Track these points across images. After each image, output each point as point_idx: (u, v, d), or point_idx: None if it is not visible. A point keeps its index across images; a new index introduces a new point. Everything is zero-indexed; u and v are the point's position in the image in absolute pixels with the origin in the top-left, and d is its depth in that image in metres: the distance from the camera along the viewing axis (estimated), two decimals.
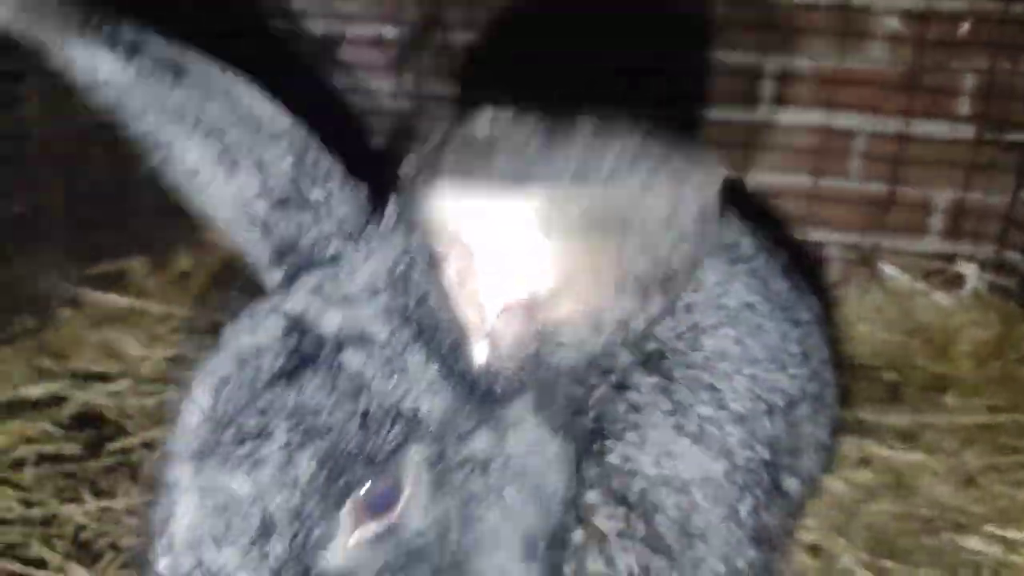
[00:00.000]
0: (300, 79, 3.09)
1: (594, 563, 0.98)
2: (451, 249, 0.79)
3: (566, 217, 0.74)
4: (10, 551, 1.56)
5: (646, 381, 1.09)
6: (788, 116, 2.98)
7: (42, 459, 1.88)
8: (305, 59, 3.22)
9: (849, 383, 2.50)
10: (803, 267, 1.70)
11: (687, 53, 2.89)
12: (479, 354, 0.85)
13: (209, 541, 0.76)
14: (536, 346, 0.81)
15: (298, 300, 0.86)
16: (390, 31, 3.16)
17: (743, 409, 1.15)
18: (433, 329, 0.83)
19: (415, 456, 0.81)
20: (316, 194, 0.94)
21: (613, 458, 1.03)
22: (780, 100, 2.97)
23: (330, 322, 0.83)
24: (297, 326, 0.83)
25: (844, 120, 2.92)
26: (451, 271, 0.80)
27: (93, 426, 2.04)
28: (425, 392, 0.82)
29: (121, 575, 1.54)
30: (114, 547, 1.62)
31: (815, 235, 3.02)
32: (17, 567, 1.51)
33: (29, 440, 1.94)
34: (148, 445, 1.96)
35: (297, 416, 0.78)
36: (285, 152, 0.94)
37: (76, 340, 2.43)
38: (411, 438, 0.80)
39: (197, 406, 0.81)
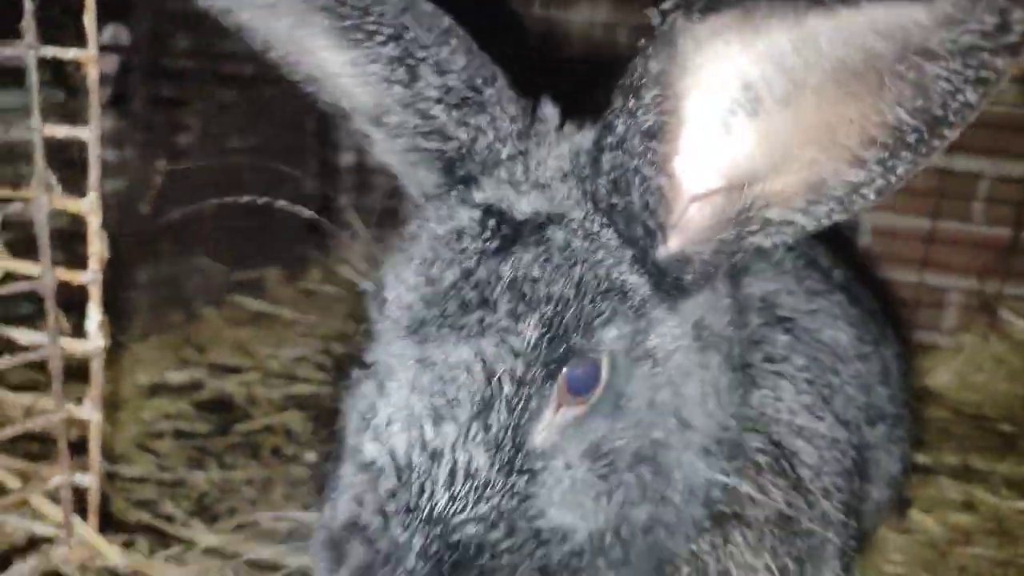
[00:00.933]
0: None
1: (749, 487, 0.95)
2: (659, 126, 0.74)
3: (798, 69, 0.68)
4: (144, 506, 1.77)
5: (780, 339, 1.09)
6: None
7: (178, 434, 2.11)
8: None
9: (961, 431, 2.44)
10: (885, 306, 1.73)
11: None
12: (673, 240, 0.82)
13: (427, 417, 0.74)
14: (736, 229, 0.78)
15: (488, 191, 0.85)
16: None
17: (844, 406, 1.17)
18: (626, 214, 0.81)
19: (615, 335, 0.79)
20: (488, 94, 0.86)
21: (755, 400, 1.01)
22: None
23: (526, 206, 0.83)
24: (493, 211, 0.83)
25: (967, 162, 2.84)
26: (653, 152, 0.76)
27: (223, 410, 2.27)
28: (627, 269, 0.82)
29: (235, 535, 1.71)
30: (231, 511, 1.80)
31: (933, 279, 2.94)
32: (147, 518, 1.71)
33: (168, 417, 2.18)
34: (269, 429, 2.16)
35: (517, 286, 0.77)
36: (456, 51, 0.85)
37: (216, 336, 2.71)
38: (618, 312, 0.79)
39: (405, 285, 0.80)
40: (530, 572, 0.77)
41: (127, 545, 1.38)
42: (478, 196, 0.86)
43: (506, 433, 0.75)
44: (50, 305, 0.81)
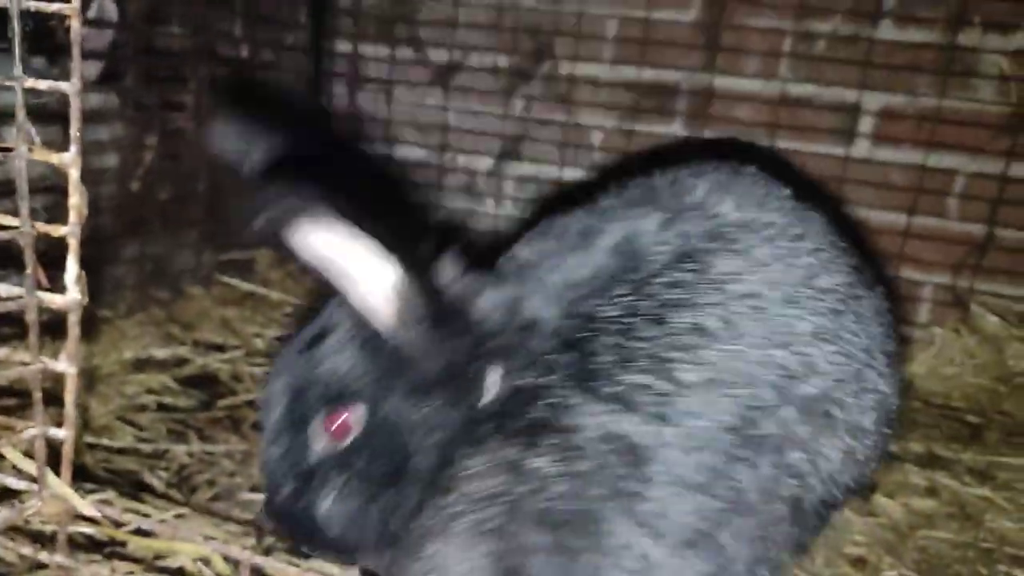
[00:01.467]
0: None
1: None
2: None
3: None
4: (123, 476, 1.81)
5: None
6: (886, 153, 2.98)
7: (160, 407, 2.15)
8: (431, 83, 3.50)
9: (929, 421, 2.50)
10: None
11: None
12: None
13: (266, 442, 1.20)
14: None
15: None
16: (503, 60, 3.38)
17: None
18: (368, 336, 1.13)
19: (358, 410, 1.15)
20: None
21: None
22: (878, 136, 2.98)
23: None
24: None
25: (942, 159, 2.89)
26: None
27: (207, 386, 2.30)
28: (357, 365, 1.15)
29: (211, 505, 1.75)
30: (210, 483, 1.84)
31: (908, 274, 2.99)
32: (127, 488, 1.74)
33: (151, 391, 2.21)
34: (252, 404, 2.20)
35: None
36: None
37: (202, 314, 2.74)
38: (352, 396, 1.15)
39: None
40: None
41: (103, 503, 1.41)
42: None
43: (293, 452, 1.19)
44: (28, 256, 0.84)
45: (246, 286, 2.99)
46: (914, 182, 2.92)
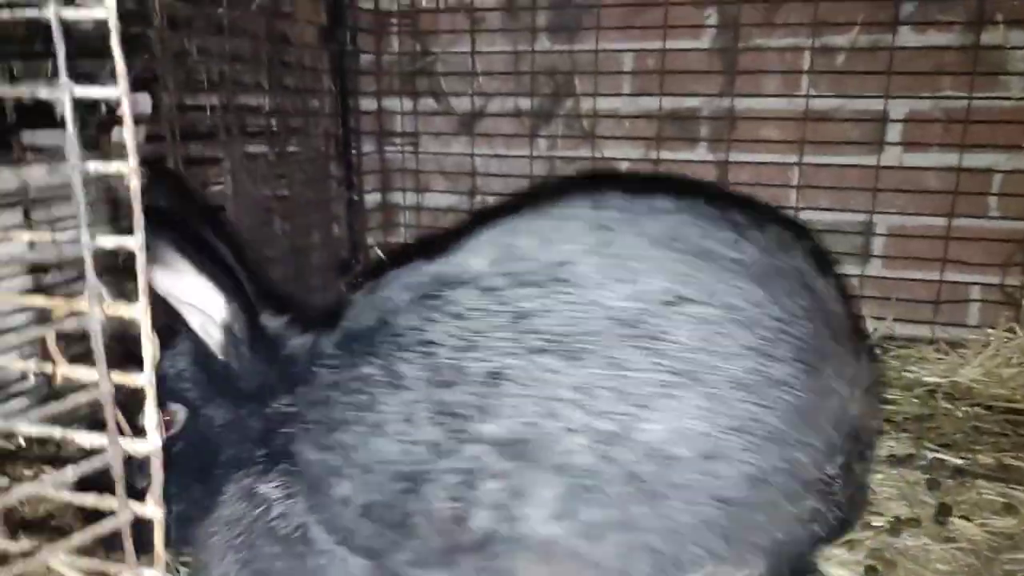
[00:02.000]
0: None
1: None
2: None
3: None
4: None
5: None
6: (917, 158, 2.96)
7: None
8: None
9: (994, 428, 2.45)
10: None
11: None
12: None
13: None
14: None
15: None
16: (524, 103, 3.43)
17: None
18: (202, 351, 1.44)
19: (179, 411, 1.45)
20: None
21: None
22: (908, 143, 2.95)
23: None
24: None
25: (979, 159, 2.86)
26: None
27: None
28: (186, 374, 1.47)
29: None
30: None
31: (954, 276, 2.95)
32: None
33: None
34: None
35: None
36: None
37: None
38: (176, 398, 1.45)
39: None
40: None
41: None
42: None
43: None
44: (108, 412, 0.89)
45: None
46: (950, 184, 2.89)
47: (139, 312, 0.97)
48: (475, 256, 1.48)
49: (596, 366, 1.31)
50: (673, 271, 1.40)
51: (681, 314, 1.35)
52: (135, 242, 0.97)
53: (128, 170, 0.96)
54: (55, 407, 0.96)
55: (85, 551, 1.13)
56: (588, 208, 1.54)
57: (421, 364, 1.37)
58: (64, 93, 0.96)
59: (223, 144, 2.89)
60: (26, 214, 2.27)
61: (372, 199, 3.71)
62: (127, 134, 0.97)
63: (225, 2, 2.75)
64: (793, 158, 3.06)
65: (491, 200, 3.57)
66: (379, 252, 3.71)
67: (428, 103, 3.59)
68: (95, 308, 0.94)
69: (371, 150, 3.65)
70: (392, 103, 3.62)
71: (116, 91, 0.99)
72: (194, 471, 1.45)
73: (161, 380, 1.32)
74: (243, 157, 2.96)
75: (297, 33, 3.27)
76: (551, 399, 1.30)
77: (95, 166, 0.96)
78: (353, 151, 3.53)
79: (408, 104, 3.60)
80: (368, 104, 3.61)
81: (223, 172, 2.91)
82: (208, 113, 2.88)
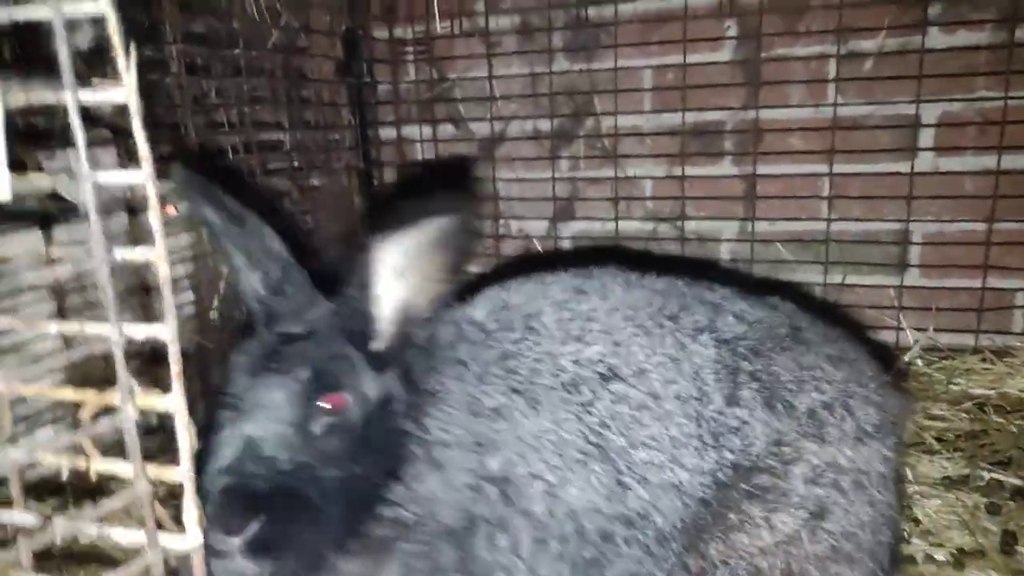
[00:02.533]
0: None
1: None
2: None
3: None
4: None
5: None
6: (953, 162, 2.87)
7: None
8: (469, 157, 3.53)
9: None
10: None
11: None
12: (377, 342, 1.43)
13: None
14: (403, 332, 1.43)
15: (281, 326, 1.46)
16: (545, 124, 3.39)
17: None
18: (355, 331, 1.41)
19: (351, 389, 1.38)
20: (288, 291, 1.49)
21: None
22: (942, 147, 2.88)
23: (293, 328, 1.42)
24: (282, 334, 1.43)
25: (1017, 160, 2.77)
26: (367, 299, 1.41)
27: None
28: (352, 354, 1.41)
29: None
30: None
31: (997, 282, 2.86)
32: None
33: None
34: None
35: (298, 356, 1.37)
36: (280, 268, 1.50)
37: None
38: (348, 376, 1.37)
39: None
40: None
41: None
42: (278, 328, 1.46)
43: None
44: (148, 514, 0.85)
45: None
46: (989, 188, 2.80)
47: (175, 406, 0.94)
48: (476, 308, 1.71)
49: (546, 419, 1.51)
50: (616, 340, 1.61)
51: (607, 390, 1.56)
52: (167, 332, 0.94)
53: (156, 257, 0.93)
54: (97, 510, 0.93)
55: None
56: (571, 275, 1.79)
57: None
58: (86, 182, 0.94)
59: (247, 183, 2.87)
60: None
61: None
62: (153, 219, 0.95)
63: (241, 44, 2.74)
64: (823, 168, 2.99)
65: (514, 224, 3.53)
66: None
67: (447, 129, 3.56)
68: (127, 405, 0.91)
69: (394, 181, 3.62)
70: (412, 131, 3.59)
71: (140, 176, 0.96)
72: (371, 455, 1.39)
73: (322, 372, 1.34)
74: (269, 194, 2.95)
75: (314, 68, 3.26)
76: (520, 440, 1.48)
77: (120, 252, 0.93)
78: (375, 182, 3.51)
79: (428, 131, 3.57)
80: (388, 133, 3.59)
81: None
82: (230, 154, 2.87)
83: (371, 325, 1.40)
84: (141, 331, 0.95)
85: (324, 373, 1.34)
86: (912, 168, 2.89)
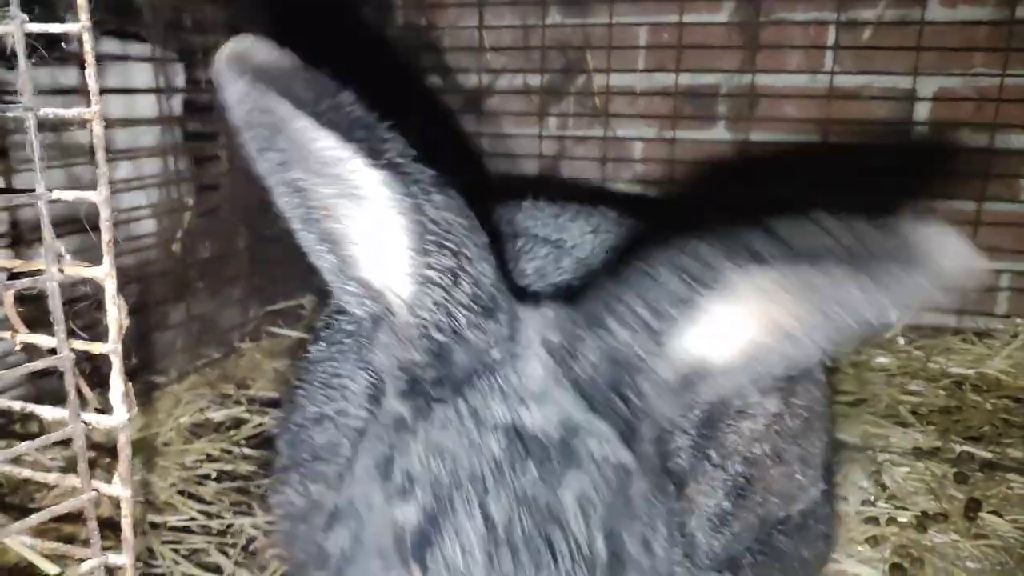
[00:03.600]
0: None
1: None
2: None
3: None
4: (192, 556, 1.76)
5: None
6: (947, 137, 2.83)
7: (221, 475, 2.10)
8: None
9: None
10: None
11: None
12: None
13: None
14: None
15: (491, 404, 0.88)
16: (534, 80, 3.30)
17: None
18: (616, 406, 0.90)
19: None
20: (496, 313, 0.92)
21: None
22: (937, 122, 2.83)
23: (538, 421, 0.87)
24: (511, 431, 0.86)
25: (1011, 140, 2.73)
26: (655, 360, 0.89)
27: (267, 447, 2.25)
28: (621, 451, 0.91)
29: None
30: (280, 558, 1.77)
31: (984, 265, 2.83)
32: (197, 571, 1.69)
33: (211, 459, 2.17)
34: None
35: (580, 509, 0.83)
36: (486, 270, 0.90)
37: (254, 368, 2.70)
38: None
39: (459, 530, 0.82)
40: None
41: None
42: (487, 414, 0.87)
43: None
44: (69, 382, 0.78)
45: (295, 334, 2.95)
46: (981, 166, 2.76)
47: (104, 273, 0.86)
48: None
49: None
50: None
51: None
52: (98, 196, 0.86)
53: (91, 116, 0.85)
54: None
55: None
56: None
57: None
58: (16, 27, 0.85)
59: (218, 119, 2.78)
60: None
61: None
62: (90, 75, 0.86)
63: None
64: (816, 138, 2.93)
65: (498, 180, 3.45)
66: None
67: (434, 81, 3.47)
68: (52, 270, 0.83)
69: None
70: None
71: (76, 26, 0.87)
72: None
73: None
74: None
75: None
76: None
77: (51, 110, 0.85)
78: None
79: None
80: None
81: (219, 147, 2.80)
82: (204, 86, 2.77)
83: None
84: (69, 195, 0.87)
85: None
86: (906, 142, 2.85)
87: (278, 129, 0.85)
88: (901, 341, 2.77)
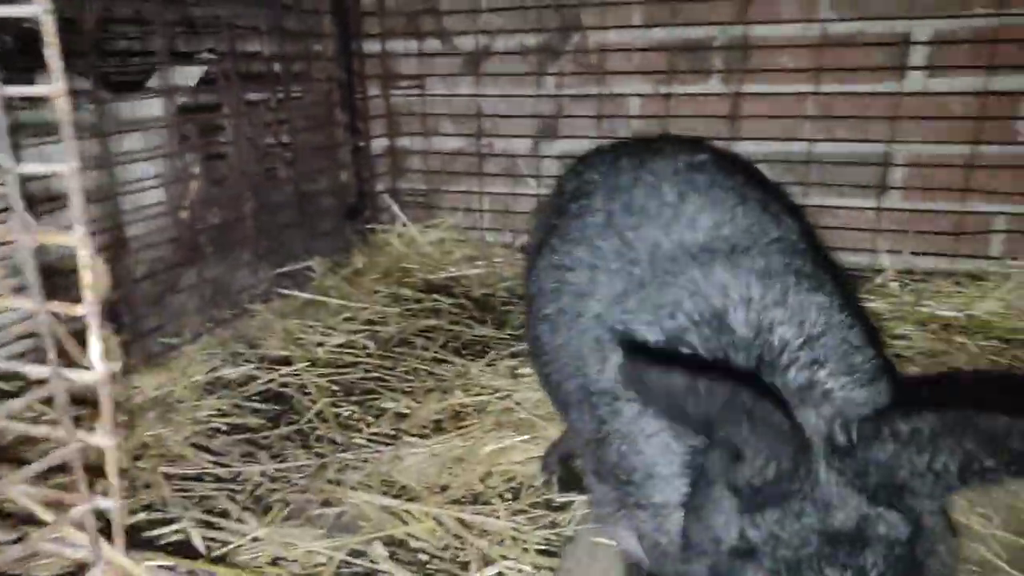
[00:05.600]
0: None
1: None
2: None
3: None
4: (203, 502, 1.89)
5: None
6: (942, 83, 2.81)
7: (233, 428, 2.23)
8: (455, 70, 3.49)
9: (1012, 361, 2.37)
10: None
11: None
12: None
13: None
14: None
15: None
16: (531, 39, 3.33)
17: None
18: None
19: None
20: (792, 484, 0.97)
21: None
22: (933, 67, 2.81)
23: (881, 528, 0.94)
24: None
25: (1007, 81, 2.71)
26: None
27: (275, 402, 2.38)
28: None
29: (284, 525, 1.81)
30: (282, 501, 1.90)
31: (977, 206, 2.84)
32: (205, 516, 1.82)
33: (222, 413, 2.30)
34: (320, 415, 2.27)
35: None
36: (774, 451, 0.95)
37: (265, 329, 2.82)
38: None
39: None
40: None
41: (161, 568, 1.48)
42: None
43: None
44: (47, 343, 0.88)
45: (304, 296, 3.06)
46: (976, 110, 2.75)
47: (77, 240, 0.95)
48: None
49: None
50: None
51: None
52: (68, 168, 0.95)
53: (56, 93, 0.93)
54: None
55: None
56: None
57: None
58: None
59: (222, 90, 2.86)
60: None
61: (379, 144, 3.67)
62: (52, 54, 0.93)
63: None
64: (810, 87, 2.93)
65: (498, 143, 3.50)
66: (388, 198, 3.68)
67: (433, 44, 3.51)
68: (23, 238, 0.92)
69: (376, 94, 3.59)
70: (396, 45, 3.55)
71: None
72: None
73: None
74: (243, 103, 2.94)
75: None
76: None
77: (15, 89, 0.93)
78: (358, 96, 3.48)
79: (413, 45, 3.52)
80: (372, 46, 3.54)
81: (223, 118, 2.89)
82: (207, 56, 2.85)
83: None
84: (42, 168, 0.95)
85: None
86: (900, 88, 2.84)
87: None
88: (893, 286, 2.80)
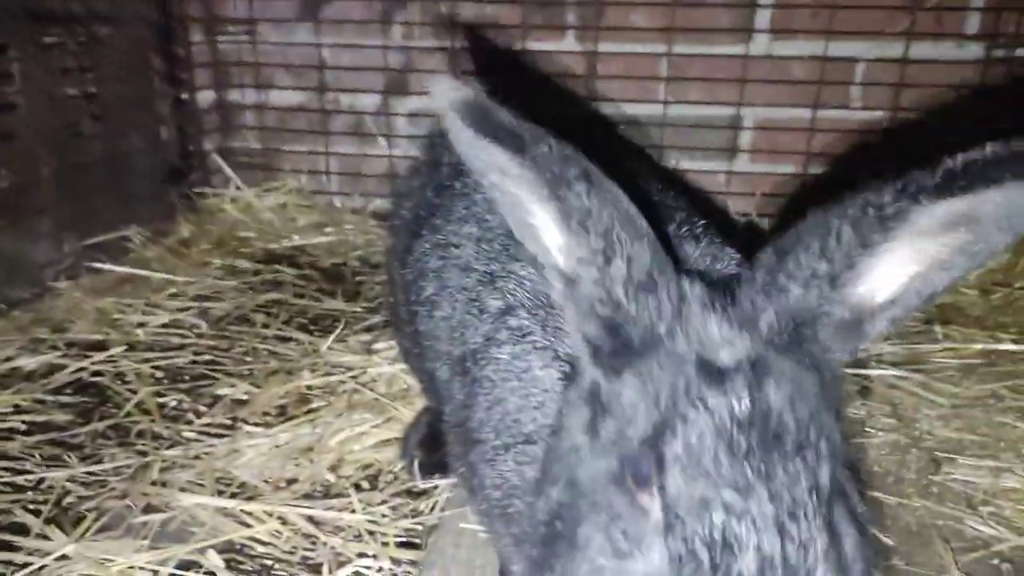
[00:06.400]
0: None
1: None
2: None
3: None
4: None
5: None
6: (785, 47, 2.86)
7: (33, 428, 1.91)
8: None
9: None
10: None
11: None
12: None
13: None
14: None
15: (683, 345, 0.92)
16: None
17: None
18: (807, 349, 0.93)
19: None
20: (660, 281, 0.94)
21: None
22: (776, 31, 2.85)
23: (727, 355, 0.90)
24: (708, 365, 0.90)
25: (843, 48, 2.79)
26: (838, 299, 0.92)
27: (86, 393, 2.07)
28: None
29: (99, 538, 1.55)
30: (96, 510, 1.63)
31: (817, 170, 2.93)
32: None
33: (19, 410, 1.97)
34: (141, 407, 1.98)
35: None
36: (644, 248, 0.94)
37: (73, 310, 2.46)
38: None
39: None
40: None
41: None
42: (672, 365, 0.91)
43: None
44: None
45: (121, 270, 2.71)
46: (816, 74, 2.82)
47: None
48: None
49: None
50: None
51: None
52: None
53: None
54: None
55: None
56: None
57: None
58: None
59: (7, 29, 2.43)
60: None
61: (206, 97, 3.30)
62: None
63: None
64: (663, 48, 2.90)
65: (344, 98, 3.24)
66: (218, 158, 3.34)
67: None
68: None
69: (200, 40, 3.22)
70: None
71: None
72: None
73: None
74: (36, 46, 2.52)
75: None
76: None
77: None
78: (178, 41, 3.10)
79: None
80: None
81: (10, 63, 2.46)
82: None
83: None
84: None
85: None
86: (747, 51, 2.86)
87: (498, 171, 0.92)
88: None
